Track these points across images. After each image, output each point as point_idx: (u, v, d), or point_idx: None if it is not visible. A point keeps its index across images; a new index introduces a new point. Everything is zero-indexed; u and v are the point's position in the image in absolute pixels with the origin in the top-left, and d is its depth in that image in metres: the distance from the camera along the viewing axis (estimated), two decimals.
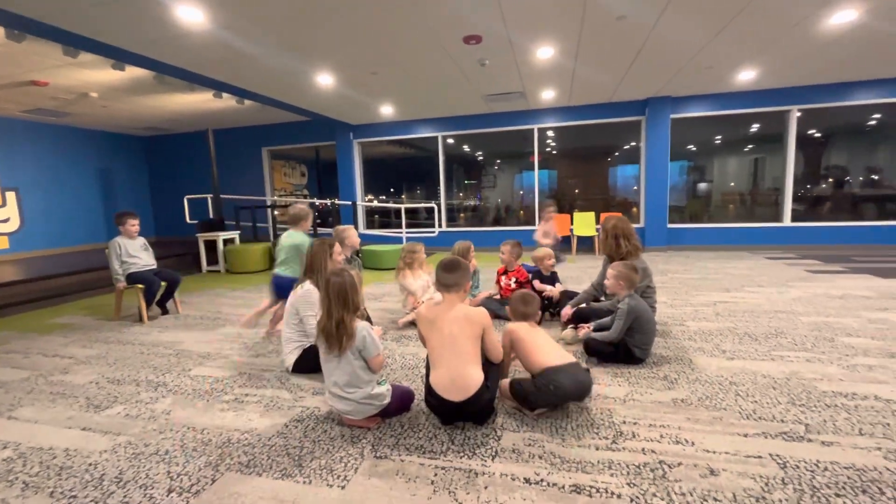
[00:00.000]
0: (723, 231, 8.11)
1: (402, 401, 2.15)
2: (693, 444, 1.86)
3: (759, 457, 1.75)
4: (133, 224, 4.32)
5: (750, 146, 8.94)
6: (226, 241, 7.52)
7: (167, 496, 1.63)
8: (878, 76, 6.99)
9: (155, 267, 4.42)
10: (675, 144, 8.15)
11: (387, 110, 8.31)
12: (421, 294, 3.86)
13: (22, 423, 2.27)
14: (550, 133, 9.09)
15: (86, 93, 6.80)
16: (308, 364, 2.70)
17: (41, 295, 5.28)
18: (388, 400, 2.05)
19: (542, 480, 1.65)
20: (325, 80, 6.09)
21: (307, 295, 2.68)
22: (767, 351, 2.89)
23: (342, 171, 9.84)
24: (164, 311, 4.45)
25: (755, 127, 8.42)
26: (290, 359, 2.72)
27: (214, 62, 5.26)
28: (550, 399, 2.06)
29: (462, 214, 10.46)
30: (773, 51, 5.52)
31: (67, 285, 5.72)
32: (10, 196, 8.39)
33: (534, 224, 9.08)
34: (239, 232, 7.97)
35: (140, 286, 4.15)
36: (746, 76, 6.63)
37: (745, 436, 1.91)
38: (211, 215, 8.42)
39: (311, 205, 10.14)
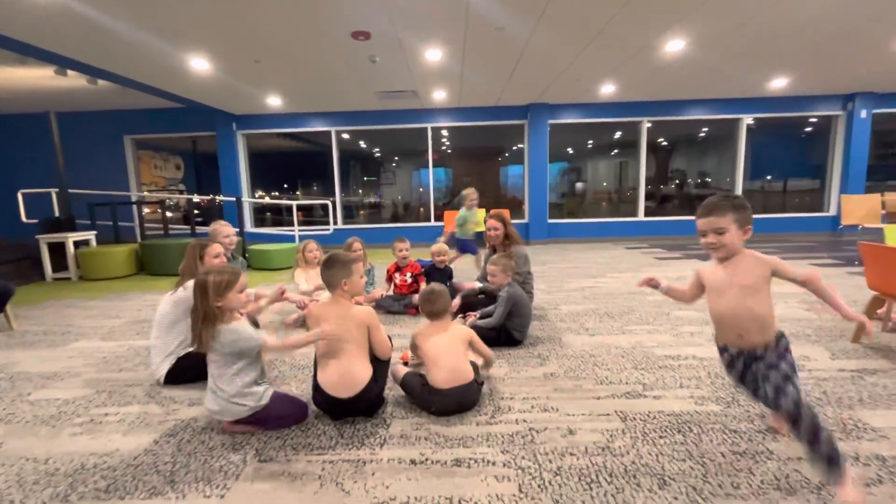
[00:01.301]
0: (593, 225, 9.21)
1: (287, 410, 2.02)
2: (557, 410, 2.14)
3: (607, 414, 2.08)
4: None
5: (615, 151, 10.27)
6: (77, 244, 6.45)
7: None
8: (705, 96, 8.52)
9: None
10: (555, 147, 9.02)
11: (274, 101, 7.85)
12: (313, 291, 3.78)
13: None
14: (445, 132, 9.41)
15: None
16: (184, 374, 2.49)
17: None
18: (263, 402, 1.94)
19: (426, 460, 1.77)
20: (199, 64, 5.55)
21: (180, 302, 2.47)
22: (620, 326, 3.40)
23: (224, 164, 9.05)
24: None
25: (618, 134, 9.69)
26: (163, 369, 2.49)
27: (55, 34, 4.48)
28: (429, 411, 2.13)
29: (362, 211, 10.33)
30: (626, 70, 6.41)
31: None
32: None
33: (430, 221, 9.34)
34: (95, 232, 6.90)
35: None
36: (608, 89, 7.60)
37: (598, 398, 2.24)
38: (57, 213, 7.15)
39: (189, 201, 9.19)
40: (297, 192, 10.76)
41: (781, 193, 9.75)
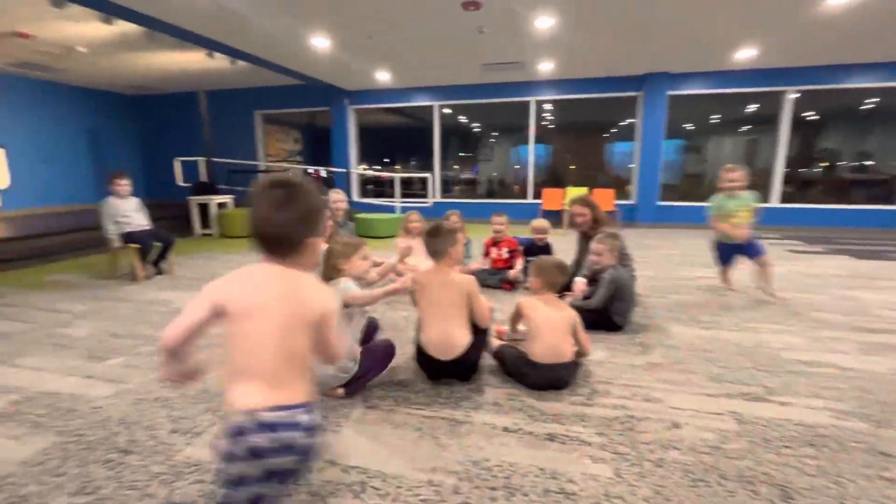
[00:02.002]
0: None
1: (378, 355, 2.12)
2: (661, 401, 2.01)
3: (720, 413, 1.91)
4: (121, 184, 4.29)
5: (746, 127, 8.97)
6: (219, 206, 7.50)
7: (170, 436, 1.75)
8: (877, 59, 6.98)
9: (149, 227, 4.45)
10: (671, 122, 8.15)
11: (383, 76, 8.17)
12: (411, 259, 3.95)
13: (26, 370, 2.37)
14: (548, 106, 9.02)
15: (73, 47, 6.60)
16: None
17: (33, 253, 5.29)
18: (354, 370, 1.98)
19: (519, 429, 1.79)
20: (320, 42, 5.96)
21: None
22: (739, 322, 3.04)
23: (337, 137, 9.73)
24: (159, 272, 4.51)
25: (752, 107, 8.43)
26: None
27: (207, 20, 5.12)
28: (522, 382, 2.13)
29: (457, 186, 10.47)
30: (773, 29, 5.49)
31: (58, 244, 5.72)
32: None
33: (528, 198, 9.14)
34: (233, 196, 7.94)
35: (134, 246, 4.19)
36: (746, 54, 6.60)
37: (710, 395, 2.06)
38: (204, 178, 8.36)
39: (305, 171, 10.11)
40: (397, 166, 11.23)
41: None
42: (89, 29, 5.74)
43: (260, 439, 0.93)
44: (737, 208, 3.68)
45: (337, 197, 3.99)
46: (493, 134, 10.55)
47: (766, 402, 2.01)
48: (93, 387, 2.16)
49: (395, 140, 11.21)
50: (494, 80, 8.39)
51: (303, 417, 0.98)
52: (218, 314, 1.02)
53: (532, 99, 8.71)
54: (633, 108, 8.39)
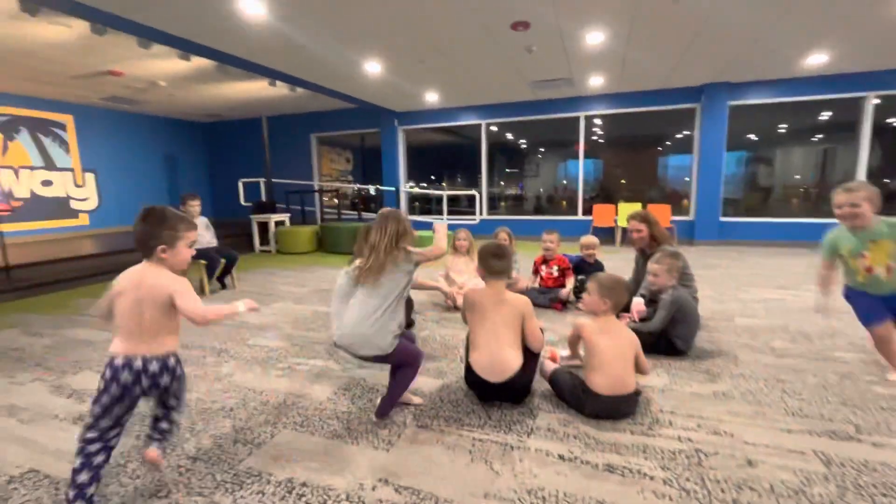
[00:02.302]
0: (780, 226, 7.64)
1: (412, 350, 2.12)
2: (732, 435, 1.86)
3: (802, 452, 1.73)
4: (193, 205, 4.64)
5: (818, 136, 8.32)
6: (277, 223, 7.93)
7: (233, 446, 1.83)
8: None
9: (216, 245, 4.77)
10: (733, 133, 7.72)
11: (432, 97, 8.39)
12: (458, 278, 3.96)
13: None
14: (597, 121, 8.85)
15: (155, 81, 7.32)
16: None
17: (117, 268, 5.80)
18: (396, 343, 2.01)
19: (575, 458, 1.72)
20: (373, 67, 6.23)
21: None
22: (820, 351, 2.77)
23: (386, 157, 10.05)
24: (223, 286, 4.81)
25: (825, 115, 7.82)
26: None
27: (271, 52, 5.52)
28: (579, 411, 2.04)
29: (503, 203, 10.44)
30: (848, 31, 5.10)
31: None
32: (90, 177, 9.21)
33: (576, 214, 8.93)
34: (289, 215, 8.37)
35: (203, 262, 4.50)
36: (816, 60, 6.16)
37: (789, 431, 1.88)
38: (263, 198, 8.89)
39: (357, 190, 10.49)
40: (443, 183, 11.38)
41: None
42: (169, 65, 6.35)
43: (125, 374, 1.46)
44: (866, 247, 2.34)
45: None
46: (541, 149, 10.47)
47: (856, 441, 1.80)
48: None
49: (442, 158, 11.40)
50: (542, 96, 8.37)
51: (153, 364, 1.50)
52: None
53: (581, 114, 8.59)
54: (690, 119, 8.05)
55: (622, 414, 1.99)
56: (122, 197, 9.77)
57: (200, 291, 4.53)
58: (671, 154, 9.18)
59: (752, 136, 8.42)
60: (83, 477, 1.41)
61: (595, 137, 9.08)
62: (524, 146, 10.49)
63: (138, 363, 1.48)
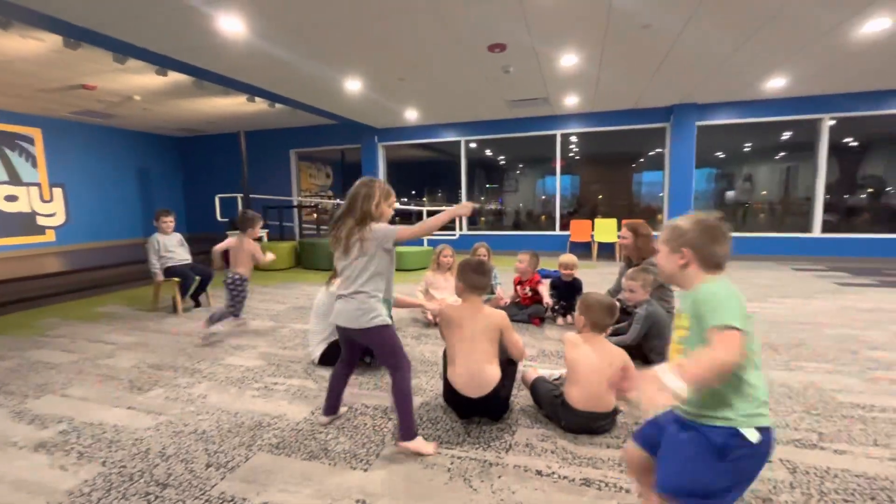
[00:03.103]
0: (748, 241, 7.95)
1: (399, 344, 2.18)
2: None
3: (770, 461, 1.79)
4: (167, 221, 4.56)
5: (781, 154, 8.75)
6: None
7: (206, 470, 1.78)
8: None
9: (190, 262, 4.67)
10: (702, 151, 8.05)
11: (411, 115, 8.49)
12: (438, 295, 3.97)
13: (74, 400, 2.48)
14: (573, 139, 9.10)
15: (130, 96, 7.20)
16: (335, 357, 2.83)
17: (84, 285, 5.62)
18: (384, 321, 2.03)
19: (553, 473, 1.73)
20: (353, 85, 6.29)
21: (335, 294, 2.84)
22: (787, 361, 2.88)
23: (366, 173, 10.07)
24: (197, 304, 4.69)
25: (787, 135, 8.24)
26: (318, 351, 2.87)
27: (250, 68, 5.51)
28: (556, 424, 2.08)
29: (483, 218, 10.56)
30: (804, 58, 5.43)
31: (108, 277, 6.07)
32: (58, 192, 8.91)
33: (554, 229, 9.10)
34: (267, 231, 8.26)
35: (176, 279, 4.40)
36: (776, 83, 6.52)
37: None
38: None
39: (336, 206, 10.45)
40: (424, 199, 11.45)
41: None
42: (145, 80, 6.27)
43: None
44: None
45: None
46: (519, 166, 10.68)
47: (819, 449, 1.87)
48: (134, 418, 2.24)
49: (422, 173, 11.49)
50: (520, 115, 8.57)
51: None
52: None
53: (558, 132, 8.82)
54: (661, 137, 8.36)
55: (597, 430, 2.02)
56: (92, 212, 9.48)
57: (173, 310, 4.42)
58: (645, 170, 9.49)
59: (720, 154, 8.81)
60: None
61: (572, 154, 9.33)
62: (503, 162, 10.67)
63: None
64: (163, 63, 5.13)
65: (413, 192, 11.54)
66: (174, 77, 6.00)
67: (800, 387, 2.49)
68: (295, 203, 10.41)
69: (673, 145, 8.00)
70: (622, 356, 2.05)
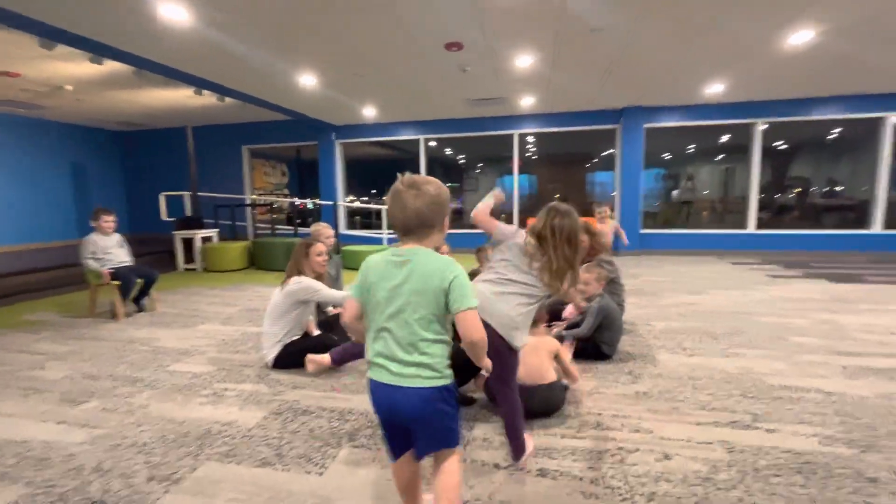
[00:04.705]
0: (692, 237, 8.44)
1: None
2: (651, 432, 2.00)
3: (710, 443, 1.90)
4: (107, 220, 4.27)
5: (721, 156, 9.35)
6: (204, 240, 7.44)
7: (147, 483, 1.67)
8: (838, 93, 7.42)
9: (131, 263, 4.38)
10: (650, 153, 8.45)
11: (370, 112, 8.37)
12: None
13: None
14: (531, 139, 9.29)
15: (60, 86, 6.65)
16: (289, 360, 2.75)
17: (10, 291, 5.14)
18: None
19: (510, 465, 1.76)
20: (308, 80, 6.11)
21: (302, 283, 2.75)
22: (725, 349, 3.08)
23: (324, 171, 9.83)
24: (140, 309, 4.41)
25: (725, 138, 8.81)
26: (271, 354, 2.77)
27: (197, 59, 5.23)
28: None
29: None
30: (739, 66, 5.82)
31: (38, 282, 5.58)
32: None
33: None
34: (217, 230, 7.89)
35: (115, 283, 4.11)
36: (715, 89, 6.95)
37: (699, 424, 2.06)
38: (188, 213, 8.31)
39: (292, 204, 10.14)
40: (384, 198, 11.33)
41: None
42: (78, 68, 5.81)
43: None
44: None
45: (328, 231, 3.98)
46: (479, 165, 10.79)
47: (754, 429, 2.01)
48: (66, 433, 2.07)
49: (383, 171, 11.37)
50: (478, 114, 8.65)
51: None
52: None
53: (515, 132, 8.98)
54: (613, 139, 8.71)
55: (551, 404, 2.11)
56: (19, 212, 8.69)
57: (113, 315, 4.13)
58: (599, 170, 9.86)
59: (667, 155, 9.29)
60: None
61: (529, 154, 9.53)
62: (463, 161, 10.75)
63: None
64: (97, 50, 4.77)
65: (374, 191, 11.41)
66: (111, 66, 5.59)
67: (736, 372, 2.67)
68: (248, 201, 10.00)
69: (623, 146, 8.35)
70: (554, 343, 2.25)
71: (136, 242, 6.80)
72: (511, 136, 9.04)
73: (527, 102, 7.78)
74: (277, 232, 9.03)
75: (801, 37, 4.68)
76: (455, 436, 1.25)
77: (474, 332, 1.16)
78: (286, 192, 11.67)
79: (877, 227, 7.82)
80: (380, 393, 1.20)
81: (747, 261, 7.29)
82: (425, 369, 1.16)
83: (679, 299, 4.61)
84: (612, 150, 8.85)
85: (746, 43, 4.92)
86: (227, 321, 4.04)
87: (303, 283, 2.76)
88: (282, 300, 2.78)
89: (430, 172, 9.65)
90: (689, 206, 9.51)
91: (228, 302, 4.83)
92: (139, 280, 4.32)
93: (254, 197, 10.46)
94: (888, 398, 2.30)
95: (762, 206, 8.35)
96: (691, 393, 2.39)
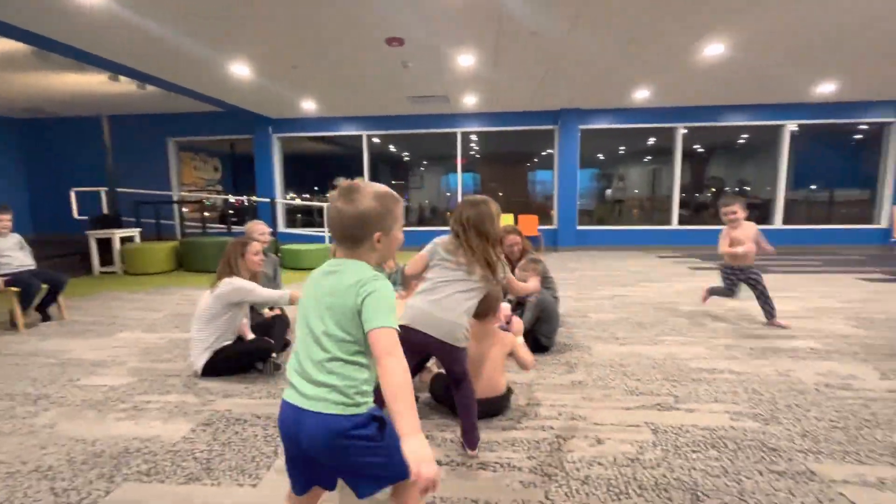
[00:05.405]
0: (623, 233, 9.01)
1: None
2: (585, 419, 2.10)
3: (637, 425, 2.04)
4: (3, 220, 3.79)
5: (648, 157, 10.04)
6: (123, 240, 6.81)
7: None
8: (746, 101, 8.22)
9: (33, 267, 3.91)
10: (586, 153, 8.89)
11: (309, 106, 8.08)
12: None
13: None
14: (474, 137, 9.43)
15: None
16: (220, 367, 2.59)
17: None
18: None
19: (452, 461, 1.77)
20: (240, 70, 5.78)
21: (233, 284, 2.59)
22: (652, 336, 3.31)
23: (260, 166, 9.36)
24: (46, 318, 3.95)
25: (652, 140, 9.47)
26: (200, 361, 2.59)
27: (111, 41, 4.77)
28: (455, 412, 2.07)
29: None
30: (662, 74, 6.27)
31: None
32: None
33: None
34: (140, 230, 7.26)
35: (14, 289, 3.64)
36: (642, 95, 7.44)
37: (628, 409, 2.19)
38: (105, 211, 7.57)
39: (226, 201, 9.56)
40: (328, 195, 11.00)
41: (827, 204, 9.28)
42: None
43: None
44: None
45: (262, 228, 3.78)
46: (424, 162, 10.78)
47: (675, 410, 2.18)
48: None
49: (326, 167, 11.02)
50: (422, 111, 8.64)
51: None
52: None
53: (458, 130, 9.06)
54: (552, 139, 9.05)
55: (495, 411, 2.12)
56: None
57: (11, 325, 3.66)
58: (539, 169, 10.20)
59: (601, 156, 9.82)
60: None
61: (473, 152, 9.66)
62: (408, 158, 10.68)
63: None
64: None
65: (316, 188, 11.04)
66: (5, 44, 4.95)
67: (661, 358, 2.87)
68: (175, 198, 9.29)
69: (560, 147, 8.71)
70: (511, 339, 2.17)
71: (41, 244, 6.09)
72: (454, 134, 9.12)
73: (469, 101, 7.88)
74: (209, 231, 8.47)
75: (714, 49, 5.12)
76: (389, 470, 1.05)
77: (386, 357, 0.97)
78: (219, 188, 10.98)
79: (778, 222, 8.77)
80: (284, 415, 1.06)
81: (671, 254, 7.89)
82: (333, 392, 1.00)
83: (612, 292, 4.89)
84: (550, 151, 9.20)
85: (669, 52, 5.30)
86: (151, 328, 3.73)
87: (235, 284, 2.61)
88: (212, 303, 2.61)
89: (374, 169, 9.53)
90: (620, 204, 10.13)
91: (152, 307, 4.46)
92: (43, 286, 3.86)
93: (183, 194, 9.74)
94: (786, 375, 2.58)
95: (684, 204, 9.08)
96: (622, 380, 2.54)
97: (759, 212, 9.22)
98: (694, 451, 1.82)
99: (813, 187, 9.31)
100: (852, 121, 8.40)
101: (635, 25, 4.47)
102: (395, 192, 1.15)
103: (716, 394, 2.35)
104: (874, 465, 1.70)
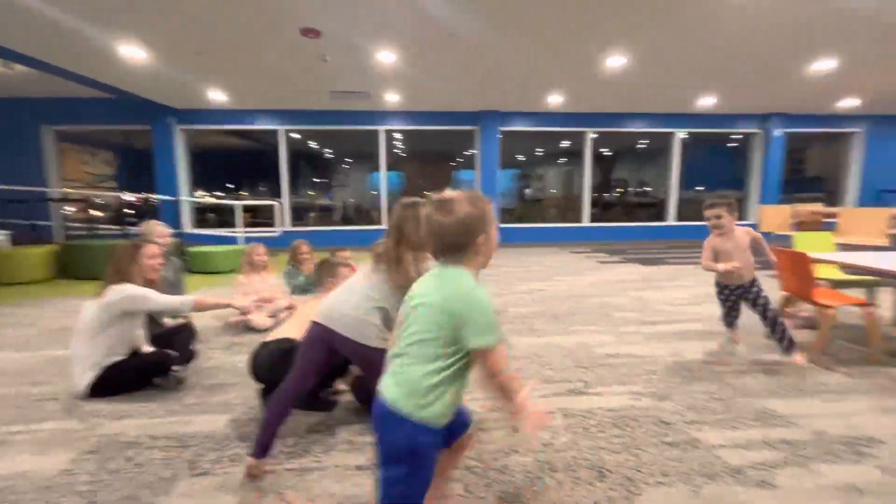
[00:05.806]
0: (541, 230, 9.53)
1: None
2: (503, 409, 2.18)
3: (552, 412, 2.16)
4: None
5: (563, 159, 10.70)
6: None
7: None
8: (644, 110, 9.08)
9: None
10: (507, 154, 9.24)
11: (218, 96, 7.48)
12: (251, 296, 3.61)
13: None
14: (398, 135, 9.37)
15: None
16: (110, 385, 2.30)
17: None
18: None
19: (372, 466, 1.74)
20: (133, 52, 5.18)
21: (124, 292, 2.30)
22: (565, 327, 3.53)
23: (161, 161, 8.48)
24: None
25: (565, 143, 10.11)
26: (85, 380, 2.28)
27: None
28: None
29: (312, 214, 10.04)
30: (572, 81, 6.72)
31: None
32: None
33: (382, 224, 9.25)
34: (8, 232, 6.22)
35: None
36: (556, 100, 7.91)
37: (543, 397, 2.32)
38: None
39: (120, 200, 8.53)
40: (244, 193, 10.30)
41: None
42: None
43: None
44: None
45: (160, 230, 3.42)
46: (348, 160, 10.50)
47: (584, 395, 2.34)
48: None
49: (241, 164, 10.29)
50: (343, 107, 8.39)
51: None
52: None
53: (381, 128, 8.95)
54: (474, 140, 9.29)
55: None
56: None
57: None
58: (463, 169, 10.42)
59: (521, 157, 10.29)
60: None
61: (397, 151, 9.60)
62: (331, 156, 10.33)
63: None
64: None
65: (230, 185, 10.26)
66: None
67: (573, 346, 3.08)
68: (57, 196, 8.10)
69: (481, 147, 8.97)
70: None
71: None
72: (377, 131, 8.99)
73: (392, 99, 7.81)
74: (98, 233, 7.51)
75: (617, 60, 5.59)
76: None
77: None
78: (112, 184, 9.78)
79: (671, 219, 9.83)
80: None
81: (583, 250, 8.50)
82: None
83: (530, 286, 5.14)
84: (474, 151, 9.43)
85: (580, 61, 5.69)
86: (23, 347, 3.21)
87: (126, 292, 2.33)
88: (98, 314, 2.31)
89: (292, 166, 9.08)
90: (539, 203, 10.71)
91: (24, 322, 3.85)
92: None
93: (66, 190, 8.51)
94: (678, 355, 2.89)
95: (594, 203, 9.82)
96: (538, 369, 2.68)
97: (656, 209, 10.28)
98: (601, 432, 1.97)
99: (700, 188, 10.56)
100: (728, 130, 9.66)
101: (549, 33, 4.73)
102: (482, 193, 1.20)
103: (619, 377, 2.56)
104: (743, 430, 1.97)
